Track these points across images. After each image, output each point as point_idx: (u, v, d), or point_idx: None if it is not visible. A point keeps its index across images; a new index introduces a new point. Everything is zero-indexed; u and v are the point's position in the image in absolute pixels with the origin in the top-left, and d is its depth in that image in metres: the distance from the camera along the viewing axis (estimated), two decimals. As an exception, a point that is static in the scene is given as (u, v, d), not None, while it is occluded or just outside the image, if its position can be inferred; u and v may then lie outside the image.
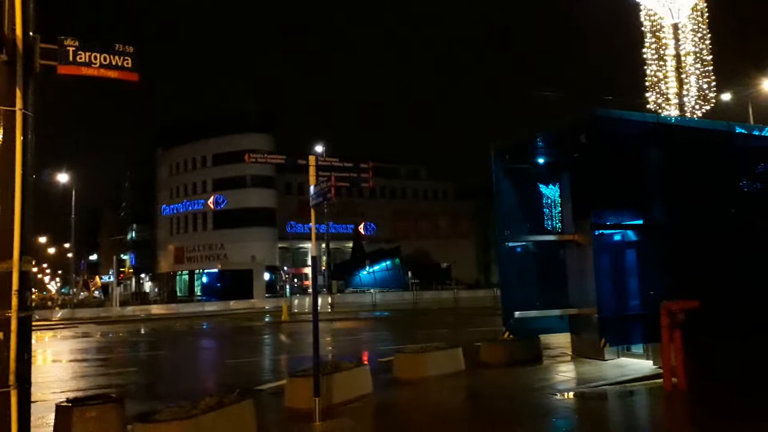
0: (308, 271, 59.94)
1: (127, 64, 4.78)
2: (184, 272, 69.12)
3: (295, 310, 34.25)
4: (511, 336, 12.11)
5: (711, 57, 20.54)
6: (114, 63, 4.69)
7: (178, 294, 65.71)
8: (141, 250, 78.20)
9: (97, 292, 62.25)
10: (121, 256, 79.48)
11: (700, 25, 20.87)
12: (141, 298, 63.24)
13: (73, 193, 42.72)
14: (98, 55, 4.63)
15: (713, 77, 20.52)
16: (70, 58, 4.57)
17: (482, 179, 16.09)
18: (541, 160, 13.00)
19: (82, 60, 4.59)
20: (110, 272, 63.94)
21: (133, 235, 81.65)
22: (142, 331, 27.14)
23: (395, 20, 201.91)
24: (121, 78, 4.84)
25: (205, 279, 63.73)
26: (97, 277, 73.27)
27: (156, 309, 42.34)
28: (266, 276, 55.17)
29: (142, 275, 79.10)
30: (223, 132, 64.37)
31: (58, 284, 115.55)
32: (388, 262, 58.23)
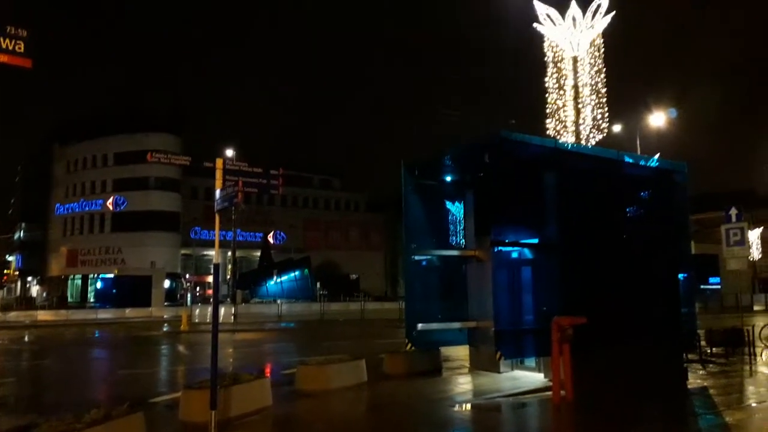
0: (212, 279, 58.24)
1: (20, 48, 4.48)
2: (77, 276, 64.93)
3: (196, 320, 33.08)
4: (413, 348, 12.34)
5: (605, 90, 22.17)
6: (4, 46, 4.38)
7: (70, 300, 61.49)
8: (29, 251, 72.57)
9: (-26, 296, 57.11)
10: (7, 257, 73.49)
11: (596, 59, 22.44)
12: (27, 302, 58.64)
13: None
14: (-15, 39, 4.31)
15: (606, 109, 22.13)
16: (-48, 40, 4.23)
17: (393, 192, 16.41)
18: (448, 178, 13.41)
19: (-34, 43, 4.26)
20: (-8, 274, 58.97)
21: (21, 234, 75.71)
22: (26, 339, 25.26)
23: (311, 33, 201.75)
24: (11, 63, 4.52)
25: (99, 284, 60.15)
26: (-25, 280, 67.27)
27: (43, 315, 39.45)
28: (166, 283, 52.86)
29: (29, 278, 73.47)
30: (126, 130, 61.48)
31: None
32: (297, 273, 57.53)
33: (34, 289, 72.08)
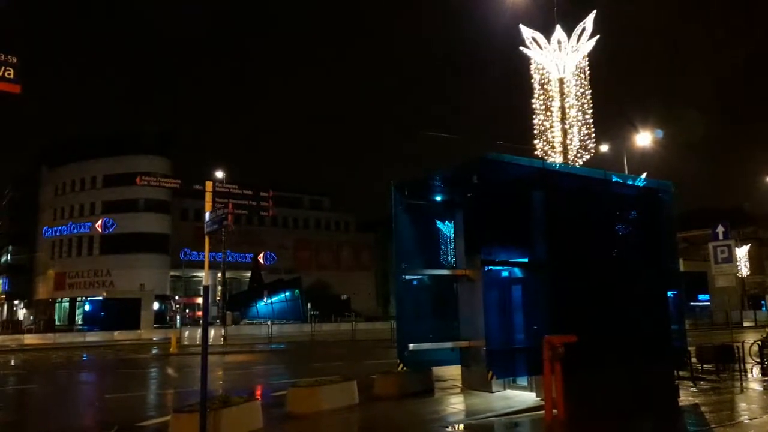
0: (202, 300, 57.60)
1: (9, 74, 4.51)
2: (65, 299, 64.22)
3: (185, 342, 32.74)
4: (405, 368, 12.28)
5: (591, 111, 22.47)
6: (-6, 73, 4.41)
7: (57, 323, 60.72)
8: (16, 274, 71.77)
9: (-41, 320, 56.32)
10: (-7, 280, 72.67)
11: (582, 81, 22.77)
12: (13, 326, 57.83)
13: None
14: (-25, 64, 4.34)
15: (593, 129, 22.38)
16: (-58, 66, 4.26)
17: (383, 212, 16.50)
18: (437, 198, 13.46)
19: (-44, 68, 4.29)
20: (-23, 298, 58.24)
21: (8, 257, 74.90)
22: (12, 363, 24.87)
23: (301, 55, 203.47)
24: (1, 89, 4.55)
25: (87, 307, 59.48)
26: (-40, 304, 66.46)
27: (30, 339, 38.88)
28: (156, 305, 52.40)
29: (16, 302, 72.53)
30: (116, 152, 61.46)
31: None
32: (287, 293, 57.17)
33: (21, 313, 71.18)
